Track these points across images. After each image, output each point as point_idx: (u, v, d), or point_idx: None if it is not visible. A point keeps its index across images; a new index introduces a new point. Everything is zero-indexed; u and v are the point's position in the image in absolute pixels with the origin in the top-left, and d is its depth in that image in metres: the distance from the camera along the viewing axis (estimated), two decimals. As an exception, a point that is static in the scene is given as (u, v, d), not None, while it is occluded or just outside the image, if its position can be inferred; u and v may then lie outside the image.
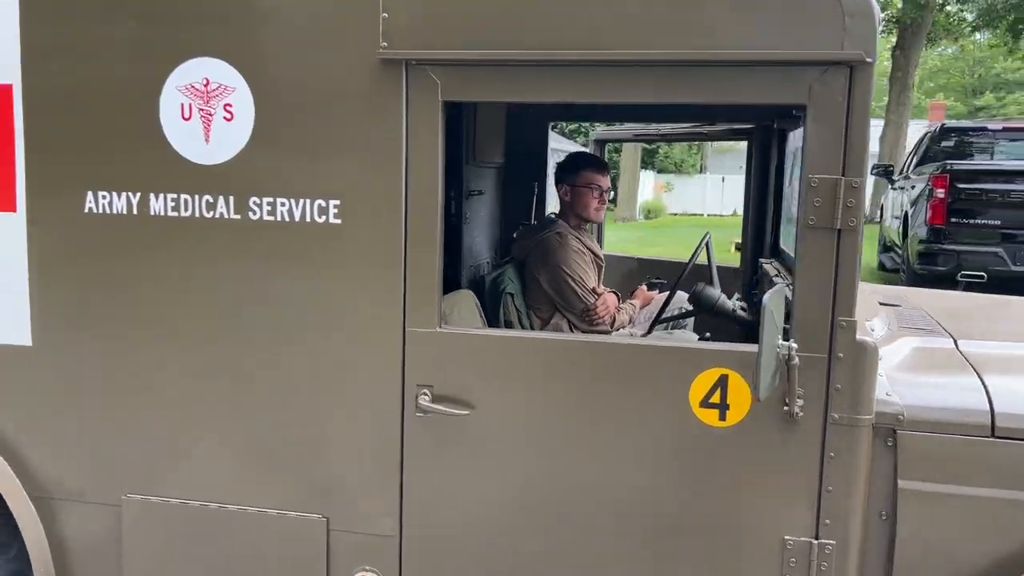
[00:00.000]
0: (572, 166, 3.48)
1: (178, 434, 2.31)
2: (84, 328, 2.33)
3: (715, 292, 3.31)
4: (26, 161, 2.29)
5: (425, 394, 2.16)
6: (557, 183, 3.52)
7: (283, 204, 2.18)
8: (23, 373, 2.37)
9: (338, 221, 2.16)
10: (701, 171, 34.42)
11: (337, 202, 2.15)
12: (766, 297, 1.79)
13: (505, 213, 4.06)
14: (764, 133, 3.69)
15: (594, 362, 2.09)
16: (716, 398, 2.01)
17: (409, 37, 2.05)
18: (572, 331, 3.38)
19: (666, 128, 4.13)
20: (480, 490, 2.18)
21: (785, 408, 1.96)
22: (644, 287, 3.79)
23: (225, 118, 2.18)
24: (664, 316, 3.44)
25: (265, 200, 2.19)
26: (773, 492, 2.03)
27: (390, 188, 2.12)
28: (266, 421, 2.26)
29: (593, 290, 3.41)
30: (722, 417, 2.02)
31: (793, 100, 1.93)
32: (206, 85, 2.18)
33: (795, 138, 3.52)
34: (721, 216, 28.19)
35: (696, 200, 29.79)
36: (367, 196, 2.14)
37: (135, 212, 2.26)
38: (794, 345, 1.87)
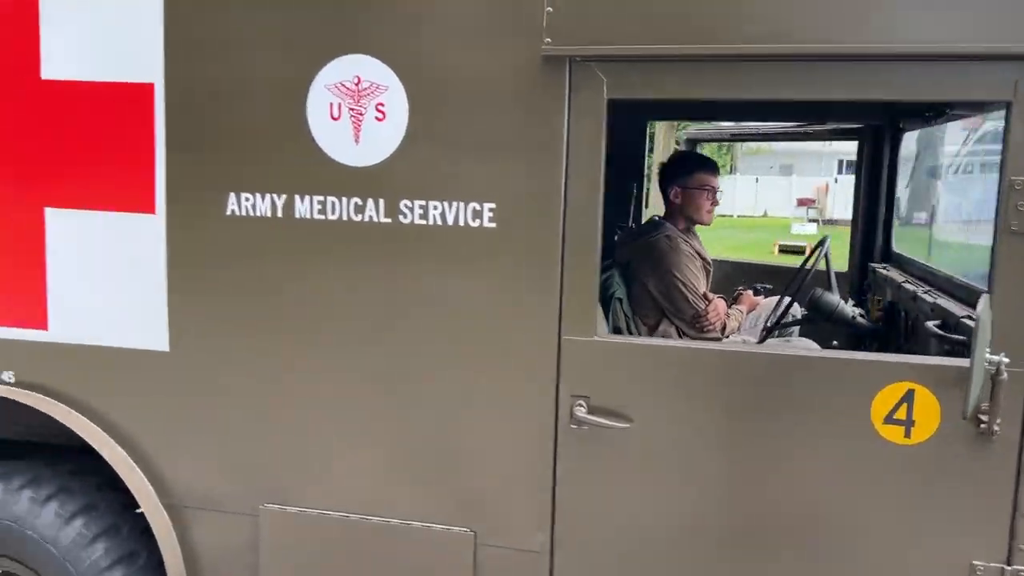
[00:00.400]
0: (684, 167, 3.38)
1: (319, 443, 2.24)
2: (223, 333, 2.27)
3: (834, 298, 3.20)
4: (167, 162, 2.24)
5: (581, 405, 2.07)
6: (665, 184, 3.42)
7: (436, 207, 2.11)
8: (159, 379, 2.32)
9: (493, 225, 2.08)
10: (731, 172, 34.10)
11: (492, 205, 2.07)
12: (979, 309, 1.69)
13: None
14: (876, 133, 3.57)
15: (764, 374, 1.99)
16: (901, 414, 1.91)
17: (574, 33, 1.96)
18: (681, 338, 3.28)
19: (765, 127, 4.02)
20: (638, 506, 2.09)
21: (982, 425, 1.85)
22: (749, 292, 3.68)
23: (377, 118, 2.11)
24: (782, 322, 3.33)
25: (417, 203, 2.11)
26: (961, 514, 1.92)
27: (549, 191, 2.03)
28: (411, 430, 2.19)
29: (704, 295, 3.31)
30: (907, 434, 1.91)
31: (995, 96, 1.82)
32: (357, 84, 2.11)
33: (914, 139, 3.40)
34: (752, 217, 27.86)
35: (726, 201, 29.46)
36: (524, 199, 2.05)
37: (279, 215, 2.19)
38: (1006, 360, 1.76)
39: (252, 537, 2.31)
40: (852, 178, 3.65)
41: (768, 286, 3.75)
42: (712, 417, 2.02)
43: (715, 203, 3.42)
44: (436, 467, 2.18)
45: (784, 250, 15.58)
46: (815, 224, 23.63)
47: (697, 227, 3.45)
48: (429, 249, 2.12)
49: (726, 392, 2.01)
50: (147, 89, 2.22)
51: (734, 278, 4.04)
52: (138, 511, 2.45)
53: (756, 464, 2.01)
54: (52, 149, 2.30)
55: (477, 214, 2.08)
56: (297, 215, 2.18)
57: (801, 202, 28.84)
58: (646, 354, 2.09)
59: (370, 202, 2.14)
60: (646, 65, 1.96)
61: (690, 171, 3.35)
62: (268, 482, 2.29)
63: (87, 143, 2.28)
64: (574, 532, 2.13)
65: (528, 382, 2.10)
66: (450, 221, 2.10)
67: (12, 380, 2.41)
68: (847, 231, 3.90)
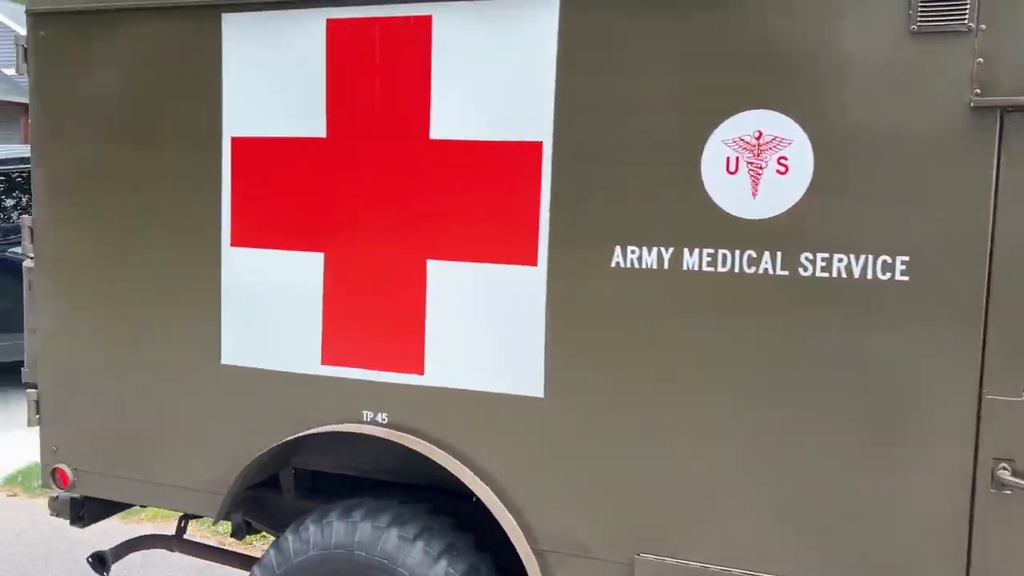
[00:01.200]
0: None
1: (700, 494, 2.23)
2: (599, 381, 2.30)
3: None
4: (551, 216, 2.31)
5: (1005, 468, 1.97)
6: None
7: (840, 260, 2.08)
8: (533, 424, 2.38)
9: (905, 278, 2.03)
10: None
11: (905, 257, 2.03)
12: None
13: None
14: None
15: None
16: None
17: (1008, 82, 1.91)
18: None
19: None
20: (1070, 578, 1.96)
21: None
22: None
23: (778, 171, 2.11)
24: None
25: (819, 256, 2.09)
26: None
27: (972, 242, 1.97)
28: (804, 485, 2.14)
29: None
30: None
31: None
32: (758, 138, 2.12)
33: None
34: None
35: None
36: (943, 250, 2.00)
37: (666, 267, 2.22)
38: None
39: (623, 586, 2.32)
40: None
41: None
42: None
43: None
44: (831, 525, 2.13)
45: None
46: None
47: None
48: (831, 302, 2.09)
49: None
50: (535, 147, 2.32)
51: None
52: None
53: None
54: (436, 205, 2.43)
55: (887, 267, 2.04)
56: (685, 267, 2.21)
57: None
58: (1086, 415, 1.98)
59: (766, 255, 2.13)
60: None
61: None
62: (644, 531, 2.29)
63: (471, 198, 2.39)
64: (992, 602, 2.02)
65: (939, 440, 2.02)
66: (856, 274, 2.07)
67: (385, 421, 2.54)
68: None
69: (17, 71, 2.90)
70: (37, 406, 2.98)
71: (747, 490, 2.19)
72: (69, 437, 2.94)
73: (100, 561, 3.05)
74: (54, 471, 2.95)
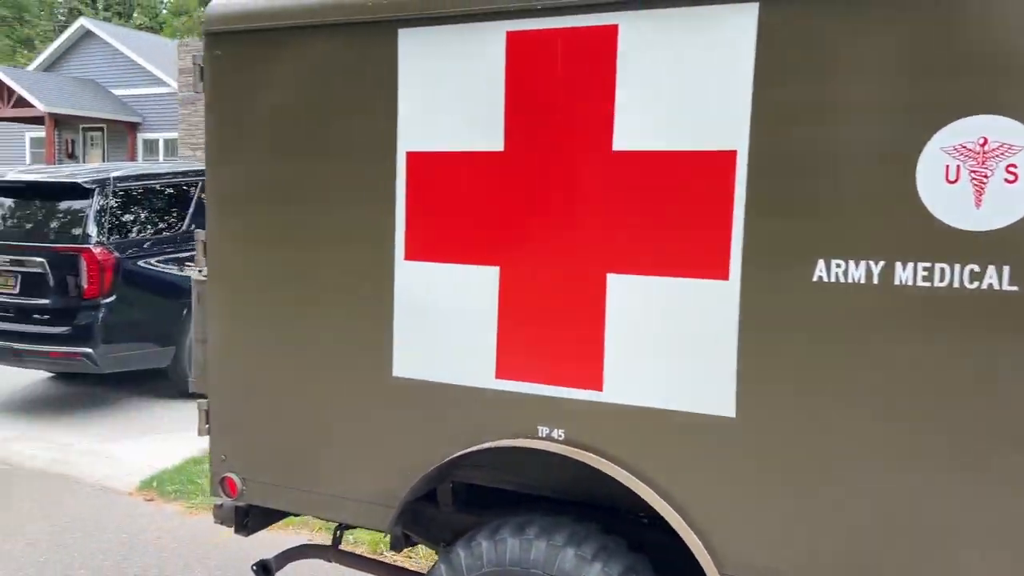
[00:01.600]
0: None
1: (904, 521, 2.10)
2: (798, 402, 2.20)
3: None
4: (746, 229, 2.23)
5: None
6: None
7: (1078, 275, 1.93)
8: (723, 445, 2.29)
9: None
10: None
11: None
12: None
13: None
14: None
15: None
16: None
17: None
18: None
19: None
20: None
21: None
22: None
23: (1006, 180, 1.98)
24: None
25: (1054, 270, 1.95)
26: None
27: None
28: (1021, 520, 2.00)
29: None
30: None
31: None
32: (983, 145, 1.99)
33: None
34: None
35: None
36: None
37: (875, 281, 2.11)
38: None
39: (822, 618, 2.20)
40: None
41: None
42: None
43: None
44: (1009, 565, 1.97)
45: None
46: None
47: None
48: (1066, 320, 1.95)
49: None
50: (728, 156, 2.24)
51: None
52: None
53: None
54: (618, 217, 2.38)
55: None
56: (896, 282, 2.09)
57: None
58: None
59: (991, 269, 2.00)
60: None
61: None
62: (846, 558, 2.17)
63: (655, 210, 2.33)
64: None
65: None
66: (1097, 290, 1.92)
67: (562, 437, 2.50)
68: None
69: (194, 89, 3.00)
70: (207, 416, 3.06)
71: (959, 522, 2.05)
72: (238, 447, 3.00)
73: (264, 569, 3.10)
74: (223, 480, 3.02)
